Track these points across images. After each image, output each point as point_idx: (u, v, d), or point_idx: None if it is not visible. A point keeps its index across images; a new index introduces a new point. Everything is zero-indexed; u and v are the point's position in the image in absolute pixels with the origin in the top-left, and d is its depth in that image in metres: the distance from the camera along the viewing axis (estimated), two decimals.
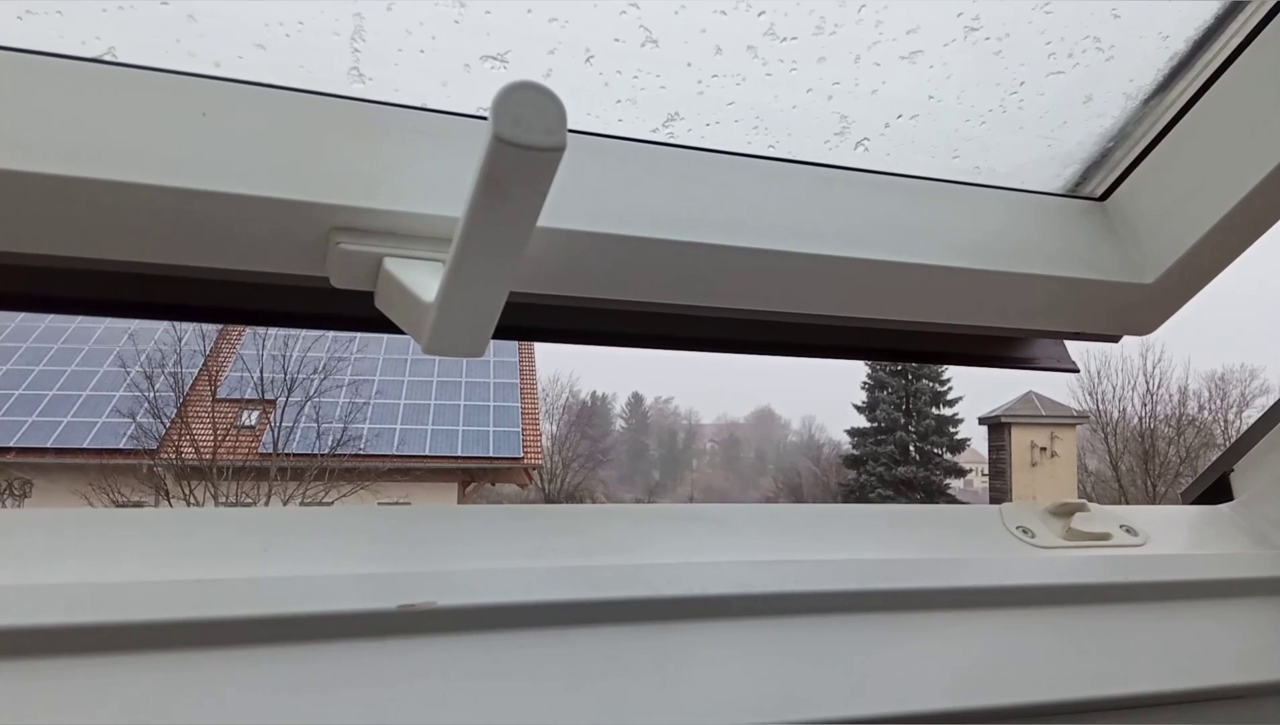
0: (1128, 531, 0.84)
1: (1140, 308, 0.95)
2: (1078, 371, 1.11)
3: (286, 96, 0.69)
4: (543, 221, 0.76)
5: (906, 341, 1.06)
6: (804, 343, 1.01)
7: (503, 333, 0.92)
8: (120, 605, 0.53)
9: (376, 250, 0.68)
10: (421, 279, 0.66)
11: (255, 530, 0.62)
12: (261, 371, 15.67)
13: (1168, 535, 0.86)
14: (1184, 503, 1.00)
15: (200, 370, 16.02)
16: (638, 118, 0.83)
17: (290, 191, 0.66)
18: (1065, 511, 0.84)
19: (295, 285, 0.72)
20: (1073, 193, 0.98)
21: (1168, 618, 0.78)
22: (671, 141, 0.86)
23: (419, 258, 0.68)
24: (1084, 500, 0.86)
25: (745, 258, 0.83)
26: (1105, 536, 0.83)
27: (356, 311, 0.74)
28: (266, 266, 0.69)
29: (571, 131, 0.82)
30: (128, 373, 15.16)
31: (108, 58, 0.67)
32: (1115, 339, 1.02)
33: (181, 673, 0.53)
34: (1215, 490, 0.97)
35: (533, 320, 0.89)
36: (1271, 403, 0.97)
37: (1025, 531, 0.82)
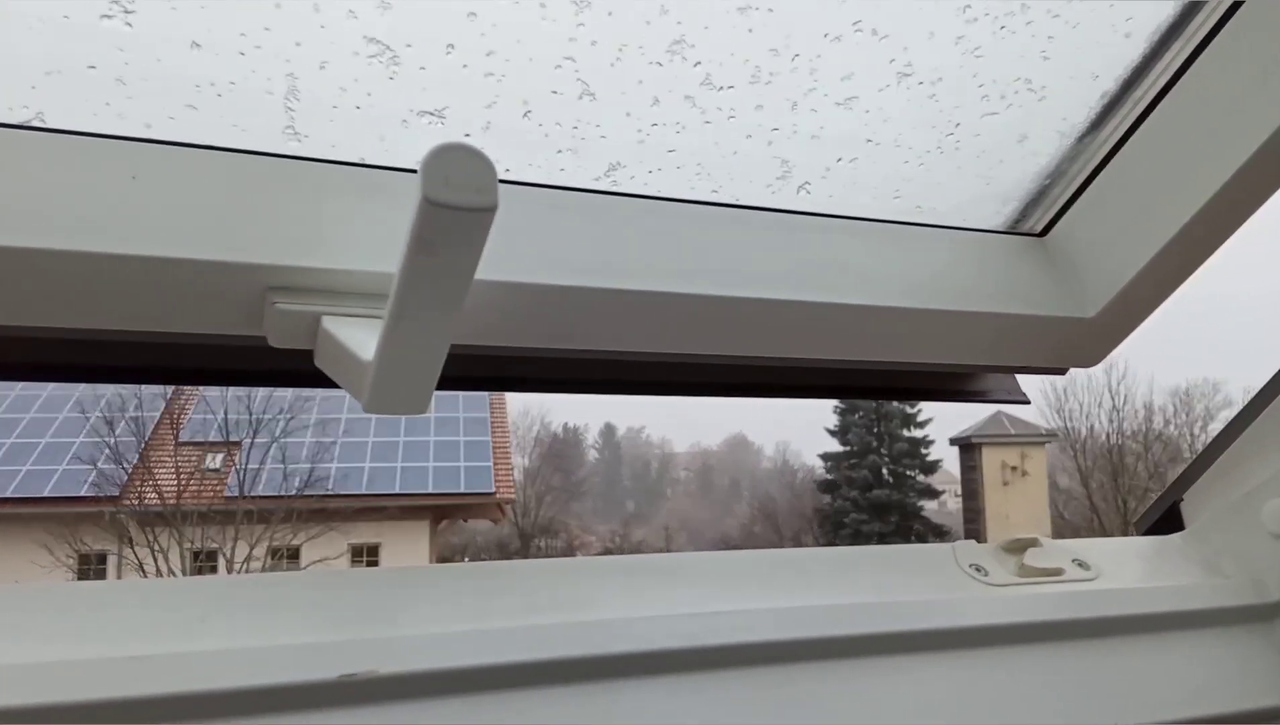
0: (1080, 565, 0.85)
1: (1083, 341, 0.96)
2: (1029, 403, 1.13)
3: (219, 156, 0.69)
4: (489, 274, 0.76)
5: (859, 379, 1.06)
6: (753, 383, 1.02)
7: (466, 384, 0.91)
8: (48, 686, 0.52)
9: (314, 309, 0.67)
10: (360, 337, 0.65)
11: (191, 602, 0.61)
12: (225, 413, 15.46)
13: (1120, 568, 0.86)
14: (1136, 533, 1.01)
15: (162, 414, 15.78)
16: (580, 167, 0.84)
17: (224, 253, 0.65)
18: (1018, 548, 0.85)
19: (235, 344, 0.71)
20: (1013, 230, 1.00)
21: (1122, 652, 0.79)
22: (615, 190, 0.86)
23: (357, 315, 0.68)
24: (1036, 535, 0.86)
25: (692, 304, 0.83)
26: (1058, 572, 0.83)
27: (298, 367, 0.73)
28: (203, 328, 0.68)
29: (514, 182, 0.83)
30: (88, 418, 14.89)
31: (35, 123, 0.67)
32: (1062, 372, 1.04)
33: None
34: (1166, 520, 0.98)
35: (498, 370, 0.89)
36: (1230, 419, 0.98)
37: (978, 569, 0.82)
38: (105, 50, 0.66)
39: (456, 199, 0.53)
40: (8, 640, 0.56)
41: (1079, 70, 0.88)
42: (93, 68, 0.67)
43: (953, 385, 1.13)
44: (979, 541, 0.88)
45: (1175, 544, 0.93)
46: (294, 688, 0.55)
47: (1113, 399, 21.97)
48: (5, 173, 0.63)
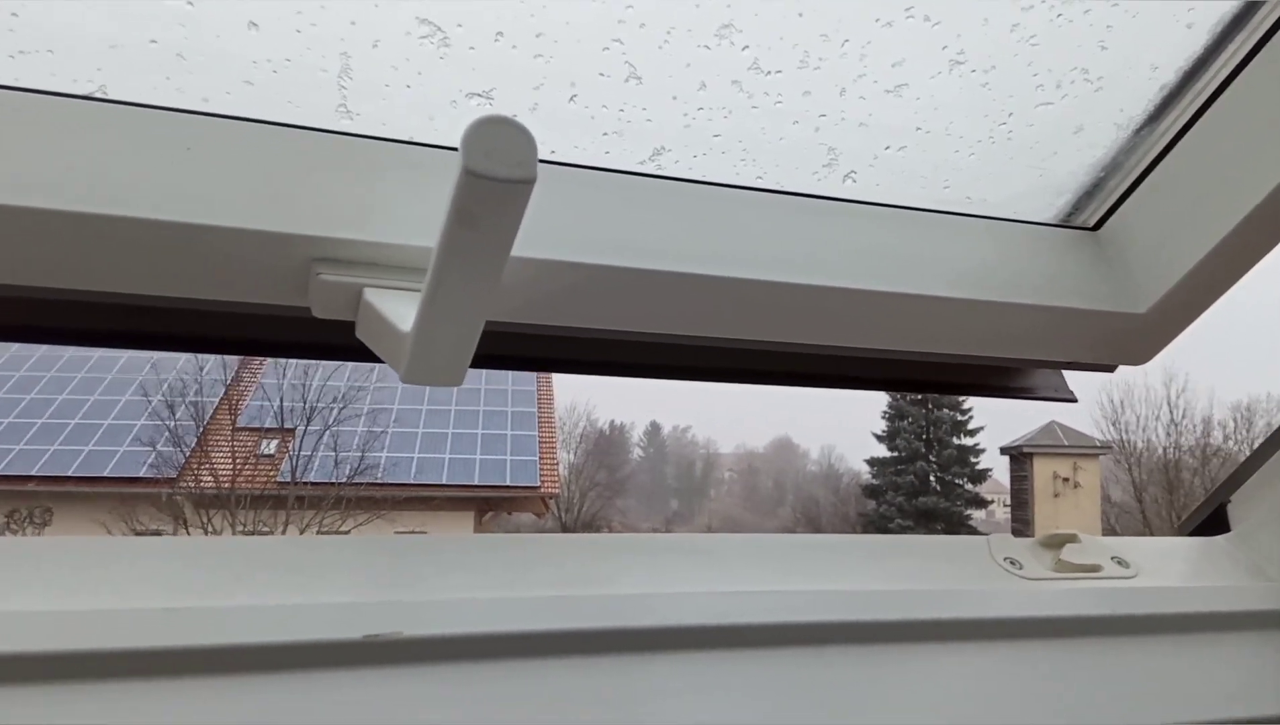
0: (1119, 563, 0.83)
1: (1134, 337, 0.94)
2: (1075, 401, 1.10)
3: (272, 131, 0.70)
4: (532, 251, 0.77)
5: (904, 371, 1.05)
6: (794, 372, 1.01)
7: (510, 363, 0.93)
8: (84, 633, 0.54)
9: (357, 281, 0.68)
10: (400, 309, 0.67)
11: (225, 560, 0.62)
12: (281, 400, 15.75)
13: (1161, 567, 0.85)
14: (1181, 534, 0.99)
15: (221, 399, 16.13)
16: (625, 150, 0.84)
17: (272, 223, 0.67)
18: (1055, 543, 0.83)
19: (280, 315, 0.73)
20: (1065, 223, 0.98)
21: (1159, 652, 0.77)
22: (660, 173, 0.87)
23: (399, 288, 0.69)
24: (1075, 531, 0.85)
25: (734, 288, 0.83)
26: (1095, 568, 0.82)
27: (342, 341, 0.74)
28: (249, 297, 0.70)
29: (558, 164, 0.84)
30: (149, 402, 15.28)
31: (98, 95, 0.69)
32: (1111, 369, 1.02)
33: (145, 702, 0.53)
34: (1212, 521, 0.95)
35: (543, 350, 0.90)
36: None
37: (1013, 563, 0.81)
38: (167, 26, 0.68)
39: (497, 171, 0.54)
40: (44, 589, 0.58)
41: (1138, 61, 0.86)
42: (154, 42, 0.69)
43: (999, 381, 1.12)
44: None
45: (1220, 545, 0.91)
46: (319, 645, 0.56)
47: (1171, 412, 21.44)
48: (66, 141, 0.65)
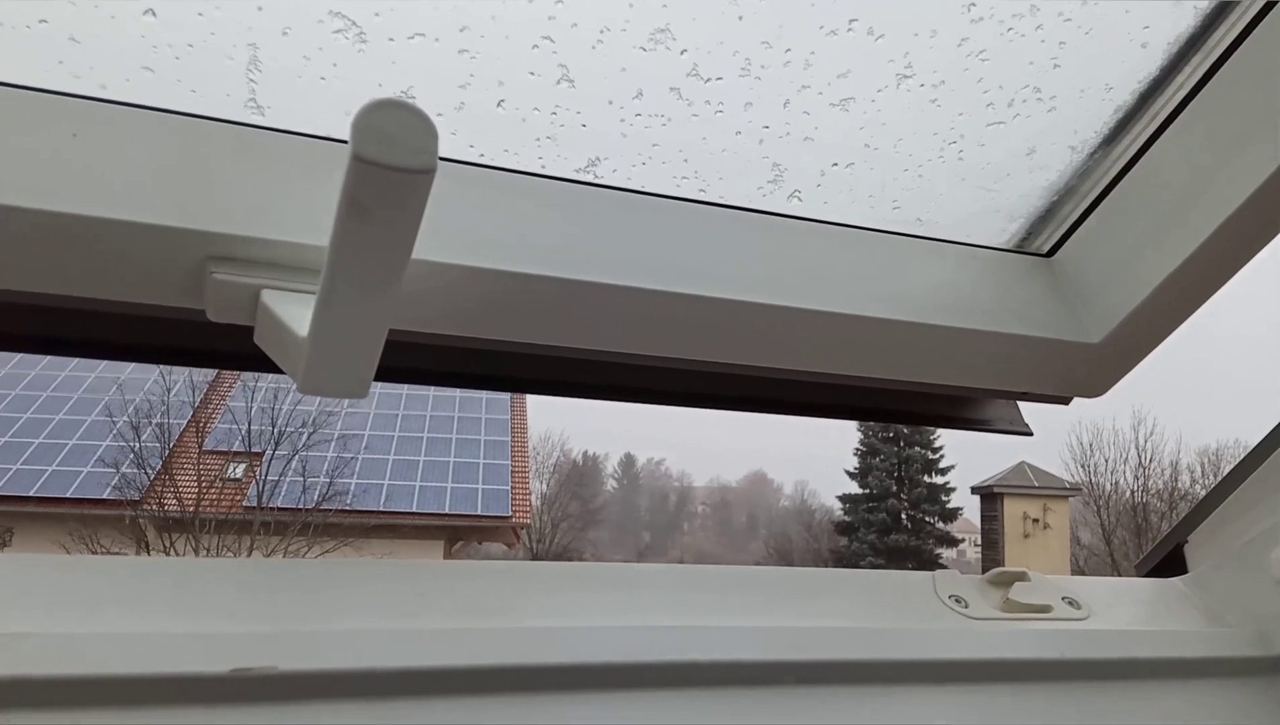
0: (1070, 604, 0.79)
1: (1088, 368, 0.90)
2: (1031, 435, 1.07)
3: (168, 119, 0.66)
4: (457, 258, 0.72)
5: (863, 398, 1.01)
6: (749, 397, 0.97)
7: (458, 381, 0.88)
8: None
9: (254, 281, 0.63)
10: (299, 313, 0.62)
11: (94, 582, 0.57)
12: (249, 424, 15.52)
13: (1114, 609, 0.80)
14: (1138, 574, 0.95)
15: (188, 422, 15.88)
16: (559, 156, 0.80)
17: (163, 217, 0.62)
18: (1003, 581, 0.79)
19: (173, 317, 0.67)
20: (1019, 248, 0.95)
21: (1110, 698, 0.73)
22: (598, 182, 0.82)
23: (300, 291, 0.64)
24: (1024, 569, 0.81)
25: (677, 304, 0.79)
26: (1046, 609, 0.77)
27: (239, 347, 0.69)
28: (139, 297, 0.65)
29: (489, 167, 0.80)
30: (115, 423, 15.02)
31: None
32: (1066, 401, 0.98)
33: None
34: (1169, 562, 0.91)
35: (494, 367, 0.85)
36: (1239, 459, 0.92)
37: (958, 601, 0.76)
38: (58, 6, 0.63)
39: (391, 158, 0.49)
40: None
41: (1092, 80, 0.83)
42: (44, 23, 0.64)
43: (956, 411, 1.08)
44: None
45: (1176, 588, 0.87)
46: (179, 679, 0.50)
47: (1139, 456, 21.61)
48: None
